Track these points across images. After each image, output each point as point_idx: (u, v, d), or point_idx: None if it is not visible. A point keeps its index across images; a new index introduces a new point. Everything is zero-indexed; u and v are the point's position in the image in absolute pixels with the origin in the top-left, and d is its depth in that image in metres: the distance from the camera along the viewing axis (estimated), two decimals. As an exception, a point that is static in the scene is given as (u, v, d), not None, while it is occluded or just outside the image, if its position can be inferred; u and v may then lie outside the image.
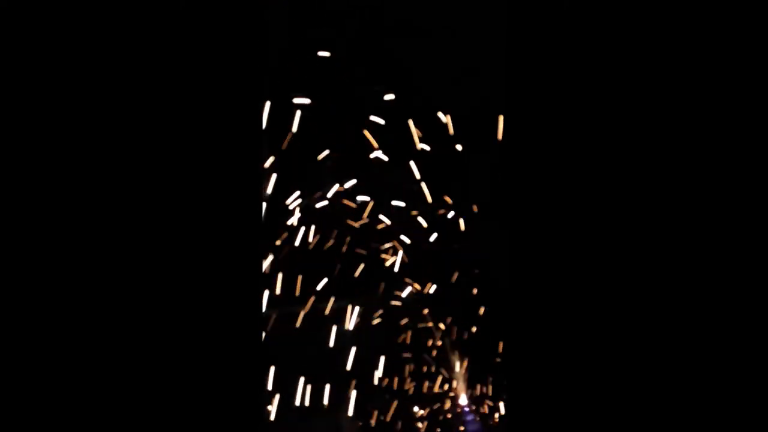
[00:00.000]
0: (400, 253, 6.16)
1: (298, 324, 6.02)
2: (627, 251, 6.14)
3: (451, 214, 6.24)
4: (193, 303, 6.11)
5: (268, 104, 6.17)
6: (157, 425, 5.87)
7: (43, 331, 5.90)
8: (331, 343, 5.96)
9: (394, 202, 6.12)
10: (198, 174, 6.18)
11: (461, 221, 6.06)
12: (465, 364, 6.04)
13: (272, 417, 5.90)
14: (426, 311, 5.98)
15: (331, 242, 6.12)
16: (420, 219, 6.25)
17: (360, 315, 5.98)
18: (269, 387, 5.95)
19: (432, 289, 5.99)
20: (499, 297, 6.00)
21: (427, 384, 5.98)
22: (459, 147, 5.89)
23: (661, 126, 6.01)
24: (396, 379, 5.94)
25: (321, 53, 6.23)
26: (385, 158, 6.13)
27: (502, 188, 6.16)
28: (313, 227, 6.07)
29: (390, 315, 6.05)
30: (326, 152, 6.08)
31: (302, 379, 5.91)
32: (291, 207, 6.03)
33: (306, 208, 6.04)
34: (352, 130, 6.08)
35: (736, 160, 5.97)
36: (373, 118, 6.02)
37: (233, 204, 6.18)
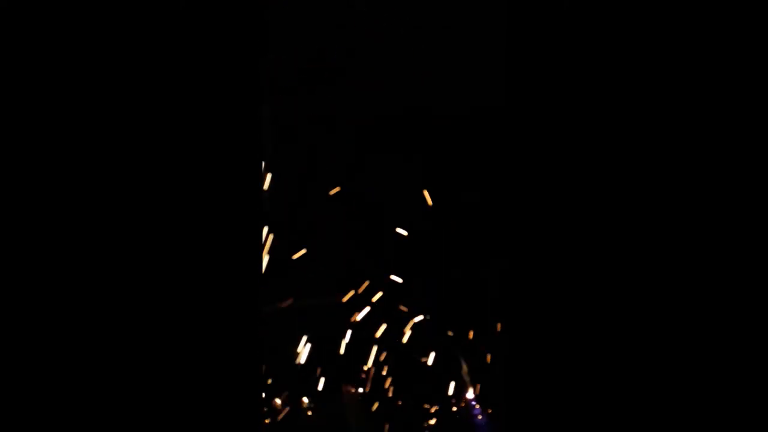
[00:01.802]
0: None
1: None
2: (627, 253, 6.14)
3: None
4: (191, 305, 6.11)
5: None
6: (153, 426, 5.87)
7: (41, 331, 5.91)
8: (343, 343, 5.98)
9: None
10: (196, 175, 6.18)
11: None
12: (470, 359, 6.08)
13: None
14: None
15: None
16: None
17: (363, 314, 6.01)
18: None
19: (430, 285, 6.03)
20: (497, 295, 6.02)
21: (433, 379, 6.02)
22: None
23: (661, 127, 6.02)
24: (399, 377, 5.99)
25: (319, 54, 6.23)
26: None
27: (501, 189, 6.16)
28: None
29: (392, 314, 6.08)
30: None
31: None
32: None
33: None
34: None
35: (736, 161, 5.97)
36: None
37: (232, 204, 6.18)
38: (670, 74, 6.02)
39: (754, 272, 6.03)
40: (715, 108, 6.00)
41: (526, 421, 5.84)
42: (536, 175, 6.28)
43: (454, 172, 6.18)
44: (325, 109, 6.22)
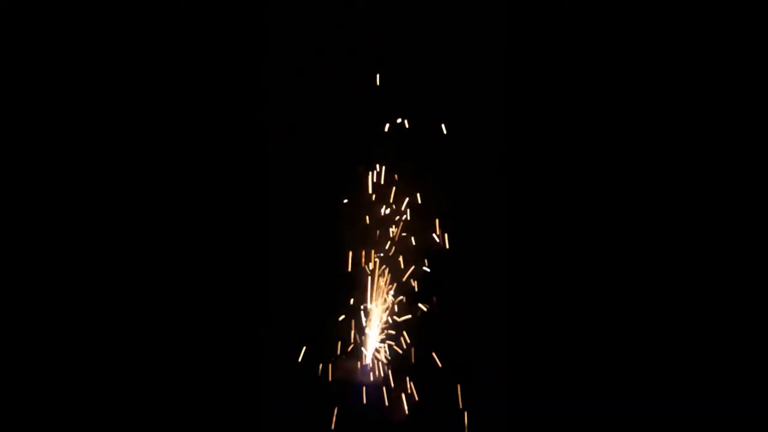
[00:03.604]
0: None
1: None
2: (625, 251, 6.14)
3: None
4: (192, 305, 6.11)
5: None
6: (153, 423, 5.88)
7: (41, 330, 5.91)
8: None
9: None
10: (197, 174, 6.18)
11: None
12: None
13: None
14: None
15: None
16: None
17: None
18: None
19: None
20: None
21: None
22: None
23: (662, 127, 6.02)
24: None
25: (319, 54, 6.22)
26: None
27: (502, 188, 6.18)
28: None
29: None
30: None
31: None
32: None
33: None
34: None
35: (734, 161, 5.97)
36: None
37: (234, 203, 6.17)
38: (670, 75, 6.01)
39: (751, 271, 6.01)
40: (713, 108, 5.99)
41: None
42: (535, 172, 6.27)
43: (453, 171, 6.17)
44: (325, 109, 6.21)
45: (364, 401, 6.00)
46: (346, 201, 6.12)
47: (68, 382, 5.88)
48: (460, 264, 6.15)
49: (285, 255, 6.16)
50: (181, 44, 6.08)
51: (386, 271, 6.20)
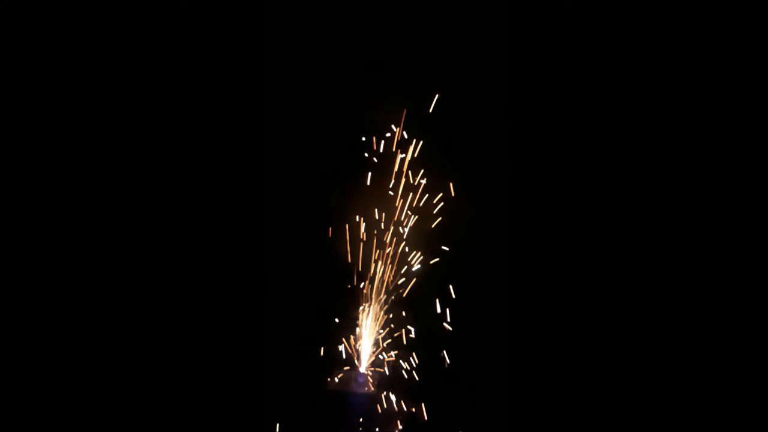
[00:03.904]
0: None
1: None
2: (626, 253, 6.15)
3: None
4: (192, 305, 6.13)
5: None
6: (154, 422, 5.89)
7: (43, 330, 5.92)
8: None
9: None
10: (198, 173, 6.19)
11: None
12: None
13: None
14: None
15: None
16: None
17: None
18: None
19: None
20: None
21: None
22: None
23: (662, 127, 6.03)
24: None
25: (320, 55, 6.23)
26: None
27: (503, 189, 6.19)
28: None
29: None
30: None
31: None
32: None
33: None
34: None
35: (733, 162, 5.98)
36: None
37: (234, 202, 6.18)
38: (670, 75, 6.02)
39: (751, 272, 6.02)
40: (713, 109, 6.00)
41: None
42: (535, 173, 6.28)
43: (454, 171, 6.19)
44: (325, 108, 6.22)
45: (360, 418, 6.05)
46: (331, 230, 6.16)
47: (70, 381, 5.89)
48: (460, 265, 6.17)
49: (284, 255, 6.17)
50: (182, 44, 6.09)
51: (386, 275, 6.23)
